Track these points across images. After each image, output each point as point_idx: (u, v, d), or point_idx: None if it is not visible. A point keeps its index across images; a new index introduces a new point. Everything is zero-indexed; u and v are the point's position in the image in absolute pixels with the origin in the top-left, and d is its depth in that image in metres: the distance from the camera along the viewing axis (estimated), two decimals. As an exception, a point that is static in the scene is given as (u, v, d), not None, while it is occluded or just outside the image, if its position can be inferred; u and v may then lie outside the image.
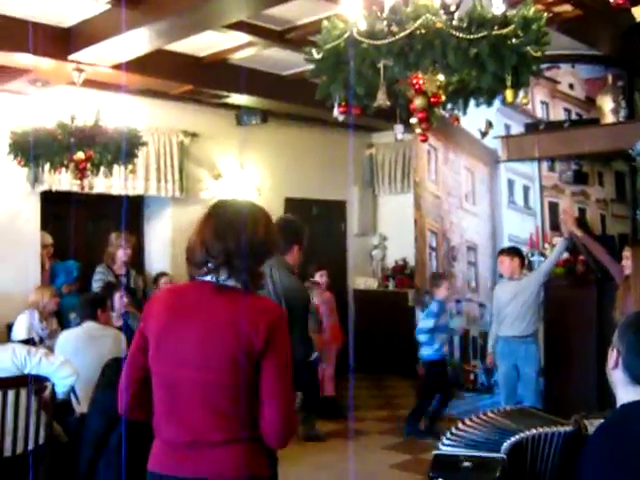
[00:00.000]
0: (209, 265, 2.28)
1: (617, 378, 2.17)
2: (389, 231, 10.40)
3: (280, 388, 2.21)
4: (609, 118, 6.63)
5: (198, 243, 2.31)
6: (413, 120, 3.49)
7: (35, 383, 4.25)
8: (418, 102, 3.40)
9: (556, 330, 6.48)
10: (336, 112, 3.54)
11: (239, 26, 5.75)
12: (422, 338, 6.74)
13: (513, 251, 6.20)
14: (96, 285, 6.88)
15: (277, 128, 9.00)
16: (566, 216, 6.12)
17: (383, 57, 3.23)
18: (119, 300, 6.26)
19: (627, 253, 5.37)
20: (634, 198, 7.35)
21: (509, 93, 3.26)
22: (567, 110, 7.09)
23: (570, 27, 5.40)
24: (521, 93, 3.43)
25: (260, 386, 2.19)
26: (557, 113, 7.08)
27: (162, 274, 7.87)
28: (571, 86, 7.10)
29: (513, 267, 6.07)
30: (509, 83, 3.25)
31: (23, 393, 4.20)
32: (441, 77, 3.42)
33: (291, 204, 9.34)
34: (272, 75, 7.64)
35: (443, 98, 3.46)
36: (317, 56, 3.44)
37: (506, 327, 6.06)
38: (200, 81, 7.20)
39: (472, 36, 3.11)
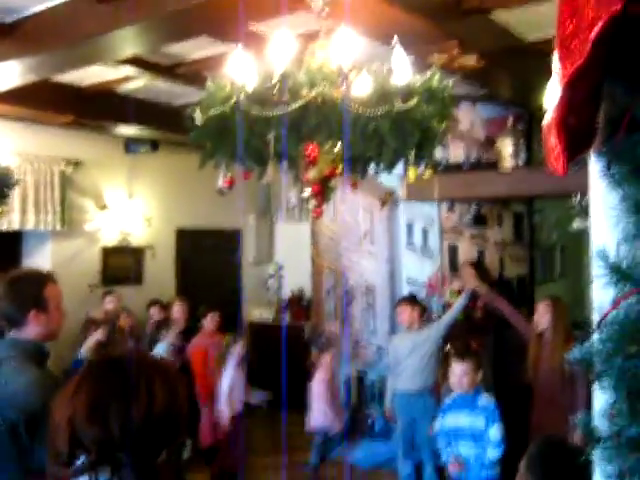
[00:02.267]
0: (77, 462, 1.45)
1: None
2: (286, 260, 10.03)
3: None
4: (508, 162, 6.51)
5: (63, 424, 1.46)
6: (306, 193, 3.17)
7: None
8: (312, 174, 3.08)
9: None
10: (221, 183, 3.17)
11: (126, 60, 5.29)
12: None
13: (413, 300, 5.96)
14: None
15: (168, 156, 8.42)
16: (467, 274, 5.92)
17: (274, 129, 2.88)
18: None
19: (541, 308, 5.09)
20: (531, 240, 7.29)
21: (411, 172, 2.98)
22: (466, 150, 6.93)
23: (473, 75, 5.21)
24: (422, 167, 3.16)
25: None
26: (456, 153, 6.89)
27: None
28: (471, 125, 6.95)
29: (413, 317, 5.80)
30: (411, 161, 2.96)
31: None
32: (337, 147, 3.11)
33: (183, 235, 8.92)
34: (162, 105, 7.11)
35: (339, 170, 3.15)
36: (199, 121, 3.06)
37: (404, 381, 5.79)
38: (82, 112, 6.63)
39: (373, 111, 2.80)
